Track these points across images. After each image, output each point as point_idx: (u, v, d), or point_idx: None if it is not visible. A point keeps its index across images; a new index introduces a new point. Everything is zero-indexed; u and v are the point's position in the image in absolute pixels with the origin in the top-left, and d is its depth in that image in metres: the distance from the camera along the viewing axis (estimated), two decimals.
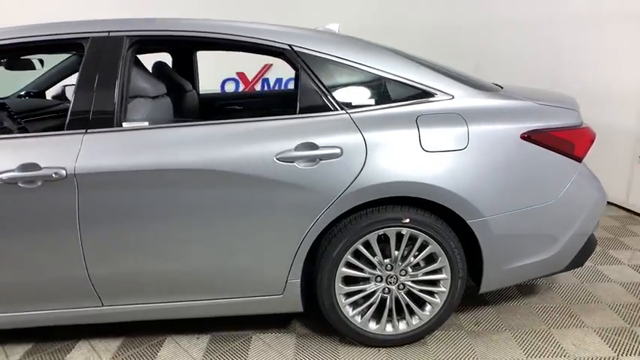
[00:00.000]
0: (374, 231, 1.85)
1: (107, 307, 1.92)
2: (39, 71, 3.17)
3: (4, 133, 1.99)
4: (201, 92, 3.32)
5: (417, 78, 1.90)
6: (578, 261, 2.10)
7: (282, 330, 2.19)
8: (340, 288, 1.92)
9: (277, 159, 1.76)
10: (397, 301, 1.98)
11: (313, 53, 1.88)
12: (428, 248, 1.90)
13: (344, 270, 1.90)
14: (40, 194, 1.74)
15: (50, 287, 1.87)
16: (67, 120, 1.80)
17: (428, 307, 1.99)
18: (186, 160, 1.75)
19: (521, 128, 1.86)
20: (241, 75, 5.40)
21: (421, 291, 1.97)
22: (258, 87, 5.44)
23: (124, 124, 1.82)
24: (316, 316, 2.07)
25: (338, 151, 1.77)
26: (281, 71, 5.36)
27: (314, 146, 1.77)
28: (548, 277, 2.57)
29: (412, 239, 1.90)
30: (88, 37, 1.87)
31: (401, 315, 2.00)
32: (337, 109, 1.84)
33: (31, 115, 2.64)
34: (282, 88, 5.36)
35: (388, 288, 1.96)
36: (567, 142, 1.92)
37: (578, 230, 2.01)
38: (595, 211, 2.05)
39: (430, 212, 1.87)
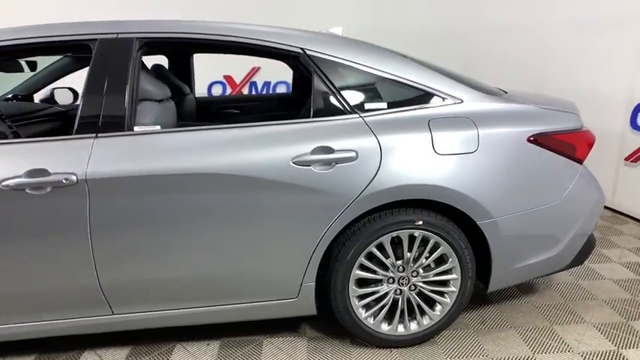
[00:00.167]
0: (388, 233, 1.88)
1: (118, 316, 1.87)
2: (27, 74, 3.07)
3: (1, 139, 1.92)
4: (196, 96, 3.28)
5: (428, 82, 1.94)
6: (579, 260, 2.17)
7: (293, 334, 2.18)
8: (354, 290, 1.94)
9: (293, 163, 1.76)
10: (408, 301, 2.01)
11: (326, 57, 1.89)
12: (439, 249, 1.94)
13: (358, 272, 1.92)
14: (49, 201, 1.69)
15: (59, 296, 1.81)
16: (76, 124, 1.76)
17: (438, 307, 2.03)
18: (200, 164, 1.73)
19: (528, 131, 1.92)
20: (228, 78, 5.35)
21: (432, 291, 2.00)
22: (245, 90, 5.41)
23: (136, 128, 1.79)
24: (325, 319, 2.07)
25: (353, 154, 1.79)
26: (269, 74, 5.35)
27: (330, 150, 1.78)
28: (546, 276, 2.65)
29: (424, 241, 1.93)
30: (96, 39, 1.83)
31: (412, 315, 2.04)
32: (351, 113, 1.86)
33: (21, 119, 2.54)
34: (271, 92, 5.35)
35: (400, 289, 1.98)
36: (569, 144, 2.00)
37: (579, 230, 2.09)
38: (595, 211, 2.13)
39: (441, 214, 1.91)
